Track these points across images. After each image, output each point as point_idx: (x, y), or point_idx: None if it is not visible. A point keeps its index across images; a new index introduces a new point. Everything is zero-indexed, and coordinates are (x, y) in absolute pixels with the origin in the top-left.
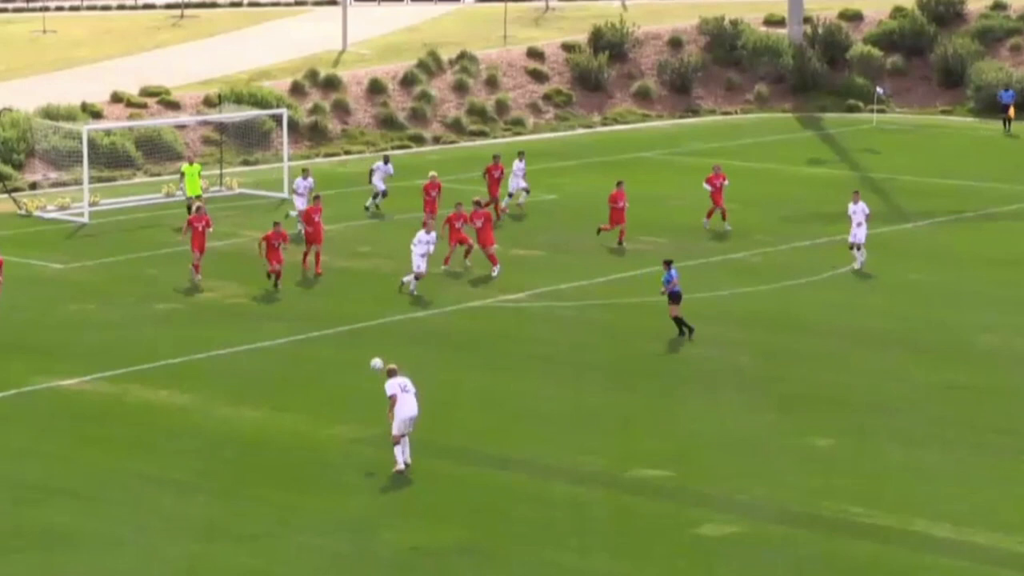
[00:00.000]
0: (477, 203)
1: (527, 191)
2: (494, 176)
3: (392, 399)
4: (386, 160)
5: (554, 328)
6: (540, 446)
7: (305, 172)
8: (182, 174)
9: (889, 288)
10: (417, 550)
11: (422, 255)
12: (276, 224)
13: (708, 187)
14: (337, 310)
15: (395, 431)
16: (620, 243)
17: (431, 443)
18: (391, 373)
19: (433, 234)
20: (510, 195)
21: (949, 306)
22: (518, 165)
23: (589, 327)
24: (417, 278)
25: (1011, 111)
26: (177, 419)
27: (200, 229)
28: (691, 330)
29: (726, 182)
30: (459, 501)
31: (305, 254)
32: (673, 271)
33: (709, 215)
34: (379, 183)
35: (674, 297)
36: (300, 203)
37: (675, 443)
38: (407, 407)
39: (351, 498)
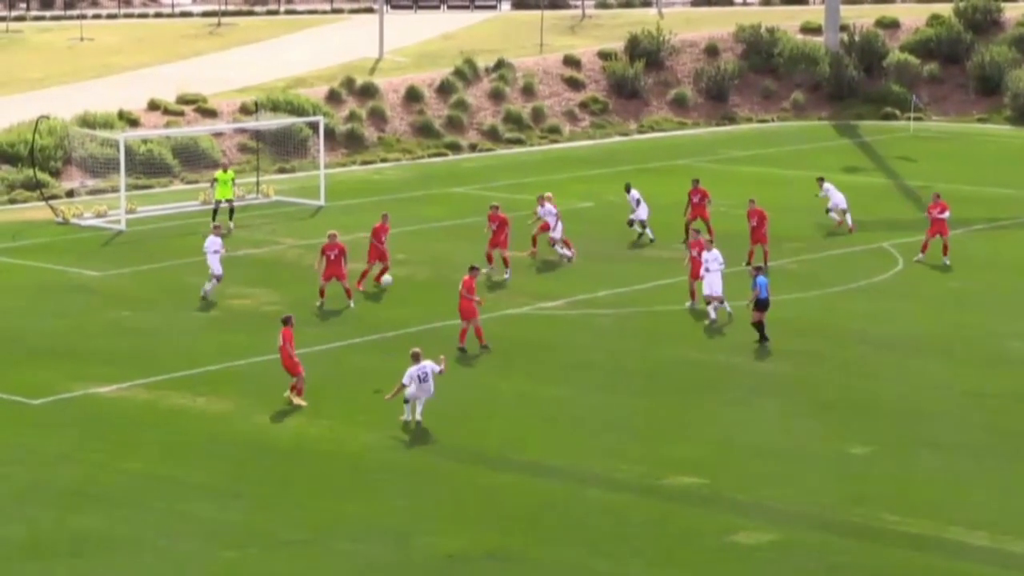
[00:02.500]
0: (495, 208)
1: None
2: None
3: (400, 387)
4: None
5: (591, 335)
6: (576, 453)
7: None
8: (215, 180)
9: (925, 296)
10: (452, 557)
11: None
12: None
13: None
14: (374, 317)
15: (407, 394)
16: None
17: (466, 449)
18: (415, 358)
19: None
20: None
21: (985, 313)
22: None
23: (626, 334)
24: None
25: None
26: (214, 426)
27: (332, 258)
28: (765, 339)
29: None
30: (494, 508)
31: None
32: (761, 278)
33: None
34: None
35: (758, 304)
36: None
37: (710, 450)
38: (421, 389)
39: (387, 505)
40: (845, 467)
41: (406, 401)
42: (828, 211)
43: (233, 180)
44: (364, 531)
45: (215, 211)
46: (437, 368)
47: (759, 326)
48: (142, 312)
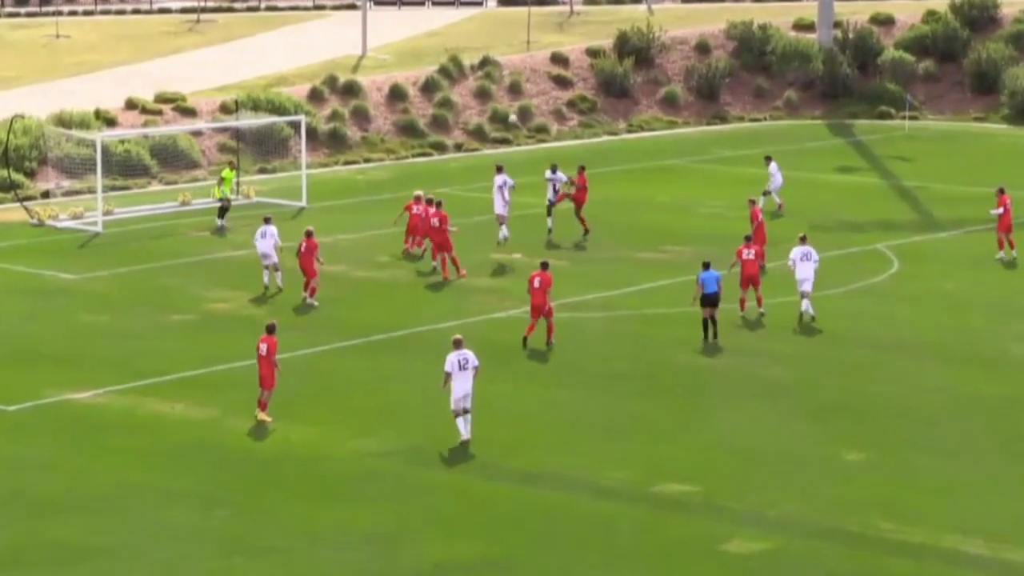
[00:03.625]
0: (438, 203)
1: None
2: (430, 221)
3: (447, 376)
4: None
5: (579, 339)
6: (565, 459)
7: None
8: (222, 178)
9: (921, 298)
10: (440, 566)
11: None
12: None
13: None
14: (356, 320)
15: (452, 406)
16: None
17: (454, 456)
18: (456, 344)
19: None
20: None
21: (982, 316)
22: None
23: (615, 338)
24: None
25: None
26: (194, 432)
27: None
28: (714, 336)
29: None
30: (482, 515)
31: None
32: (706, 273)
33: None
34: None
35: (705, 300)
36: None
37: (702, 456)
38: (460, 385)
39: (373, 512)
40: (840, 473)
41: (456, 415)
42: (767, 192)
43: (234, 179)
44: (350, 539)
45: (225, 209)
46: (478, 363)
47: (706, 324)
48: (119, 316)
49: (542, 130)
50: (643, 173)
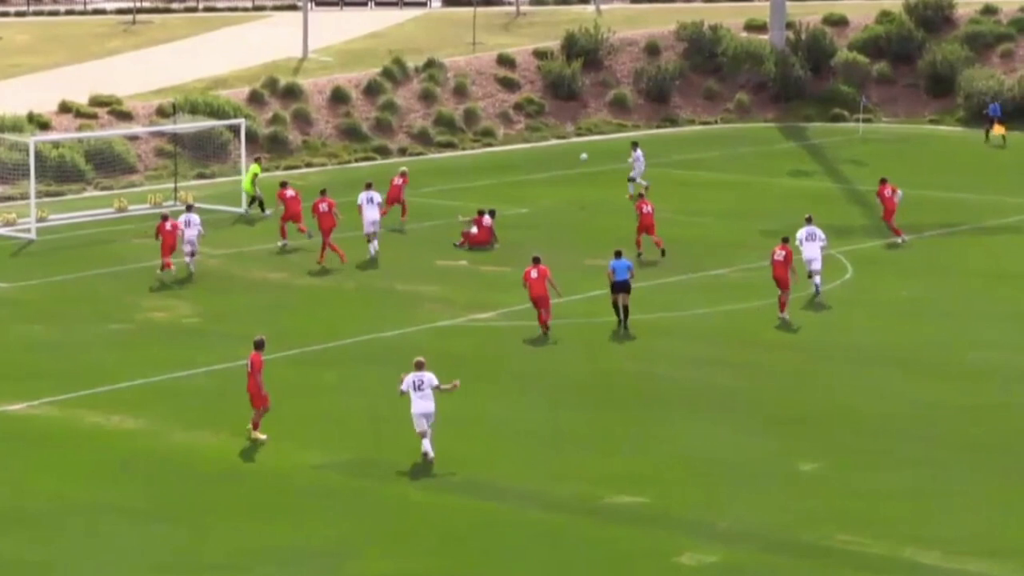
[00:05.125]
0: (323, 191)
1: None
2: (320, 211)
3: (403, 394)
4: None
5: (527, 348)
6: (513, 470)
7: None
8: (255, 174)
9: (877, 304)
10: None
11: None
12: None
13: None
14: (298, 329)
15: (415, 427)
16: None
17: (400, 468)
18: (418, 366)
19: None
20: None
21: (939, 322)
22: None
23: (563, 346)
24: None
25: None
26: (132, 445)
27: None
28: (625, 324)
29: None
30: (429, 529)
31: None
32: (617, 260)
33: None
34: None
35: (615, 287)
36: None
37: (653, 467)
38: (418, 405)
39: (316, 527)
40: (795, 484)
41: (422, 435)
42: (632, 179)
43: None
44: (294, 555)
45: (258, 201)
46: (436, 382)
47: (617, 308)
48: (54, 326)
49: (488, 133)
50: (591, 177)
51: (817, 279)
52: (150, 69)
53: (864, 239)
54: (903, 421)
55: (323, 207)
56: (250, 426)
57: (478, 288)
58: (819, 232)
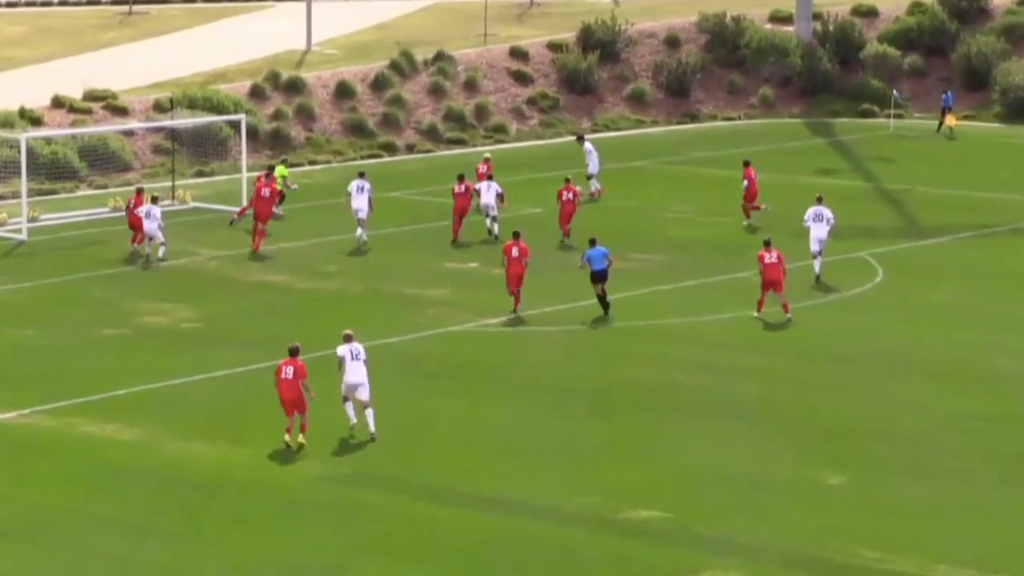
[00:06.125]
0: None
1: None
2: (262, 195)
3: (340, 362)
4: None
5: (538, 354)
6: (523, 483)
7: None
8: (279, 176)
9: (905, 309)
10: None
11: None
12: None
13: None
14: (301, 335)
15: (342, 391)
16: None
17: (403, 480)
18: (346, 339)
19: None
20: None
21: (971, 328)
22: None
23: (576, 353)
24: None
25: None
26: (125, 455)
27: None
28: (605, 312)
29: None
30: (434, 544)
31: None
32: (592, 250)
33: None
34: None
35: (593, 276)
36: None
37: (671, 480)
38: (352, 374)
39: (316, 541)
40: (819, 497)
41: (345, 400)
42: (590, 176)
43: (284, 177)
44: (290, 569)
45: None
46: (366, 356)
47: (600, 298)
48: (46, 331)
49: (500, 130)
50: (608, 175)
51: (818, 263)
52: (147, 62)
53: (895, 240)
54: (933, 432)
55: (265, 192)
56: (300, 434)
57: (489, 291)
58: (827, 212)
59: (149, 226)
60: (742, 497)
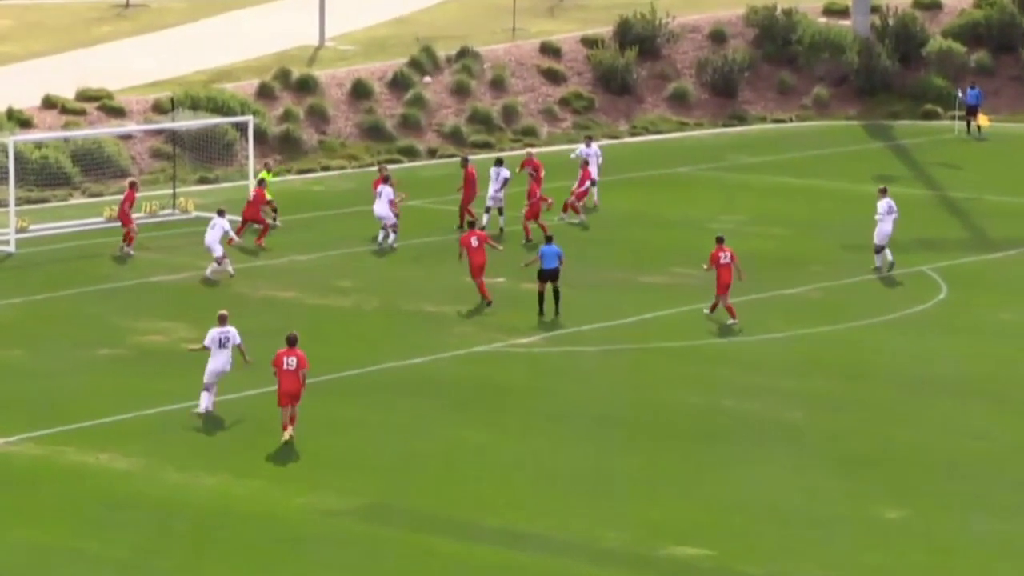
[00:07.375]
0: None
1: None
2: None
3: (206, 349)
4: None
5: (572, 377)
6: (555, 518)
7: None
8: (263, 181)
9: (971, 329)
10: None
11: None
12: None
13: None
14: (312, 355)
15: (204, 379)
16: None
17: (424, 514)
18: (221, 320)
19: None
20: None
21: None
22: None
23: (613, 375)
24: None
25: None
26: (119, 487)
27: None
28: (556, 311)
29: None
30: None
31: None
32: (546, 247)
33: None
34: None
35: (542, 275)
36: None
37: (714, 514)
38: (218, 361)
39: None
40: (877, 534)
41: (206, 389)
42: (594, 182)
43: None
44: None
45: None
46: (239, 340)
47: (542, 298)
48: (35, 351)
49: (530, 132)
50: (648, 183)
51: (880, 256)
52: (146, 59)
53: (960, 254)
54: (998, 463)
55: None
56: (290, 429)
57: (517, 308)
58: (894, 204)
59: (210, 237)
60: (793, 533)
